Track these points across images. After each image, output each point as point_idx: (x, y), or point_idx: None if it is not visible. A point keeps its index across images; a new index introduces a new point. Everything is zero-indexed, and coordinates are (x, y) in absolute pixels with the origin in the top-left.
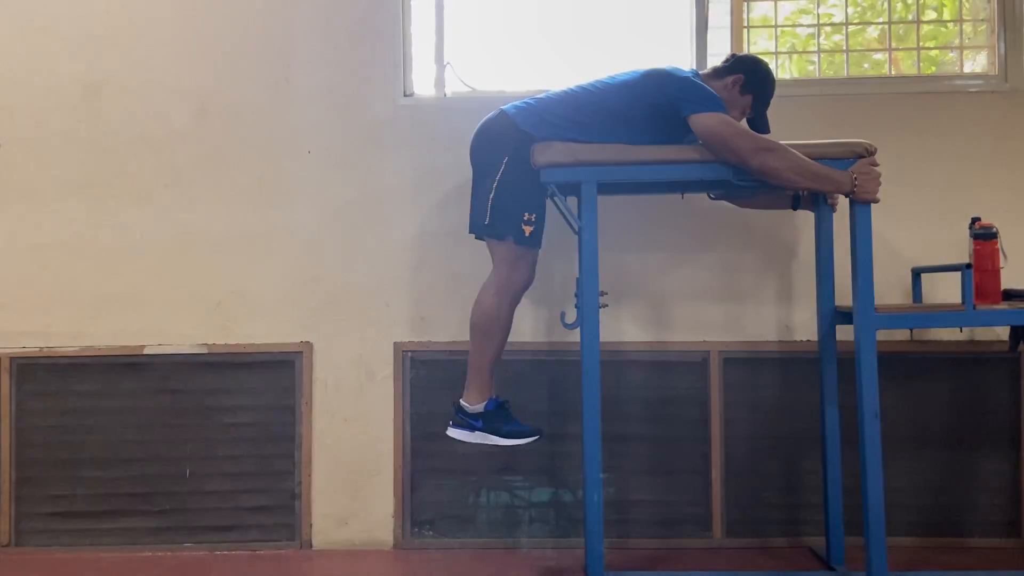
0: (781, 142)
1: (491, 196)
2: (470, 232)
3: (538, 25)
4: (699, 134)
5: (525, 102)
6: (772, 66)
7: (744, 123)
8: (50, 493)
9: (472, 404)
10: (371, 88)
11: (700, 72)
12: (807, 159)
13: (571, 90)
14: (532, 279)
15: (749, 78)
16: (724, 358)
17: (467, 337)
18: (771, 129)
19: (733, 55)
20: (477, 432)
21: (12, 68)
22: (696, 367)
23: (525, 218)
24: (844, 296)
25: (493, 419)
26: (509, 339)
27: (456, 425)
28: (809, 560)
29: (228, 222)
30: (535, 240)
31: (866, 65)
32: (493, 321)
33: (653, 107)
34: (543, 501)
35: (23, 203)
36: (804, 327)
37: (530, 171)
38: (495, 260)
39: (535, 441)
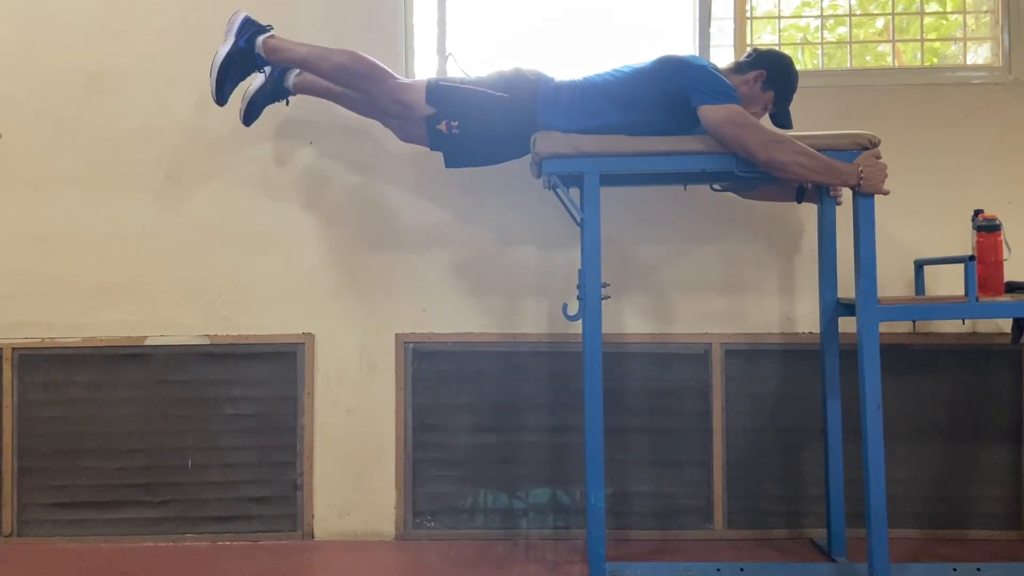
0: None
1: (467, 84)
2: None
3: (540, 15)
4: (707, 125)
5: (562, 83)
6: None
7: (767, 118)
8: (52, 483)
9: (269, 46)
10: None
11: (721, 67)
12: (815, 152)
13: (588, 79)
14: (383, 122)
15: (771, 73)
16: (726, 350)
17: (469, 328)
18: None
19: (755, 49)
20: (231, 41)
21: (13, 59)
22: (698, 359)
23: (453, 123)
24: (846, 288)
25: (244, 57)
26: (512, 330)
27: (245, 26)
28: (810, 552)
29: (230, 213)
30: (431, 137)
31: (868, 57)
32: (349, 76)
33: (664, 94)
34: (544, 492)
35: (24, 194)
36: (806, 319)
37: (497, 128)
38: (413, 90)
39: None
